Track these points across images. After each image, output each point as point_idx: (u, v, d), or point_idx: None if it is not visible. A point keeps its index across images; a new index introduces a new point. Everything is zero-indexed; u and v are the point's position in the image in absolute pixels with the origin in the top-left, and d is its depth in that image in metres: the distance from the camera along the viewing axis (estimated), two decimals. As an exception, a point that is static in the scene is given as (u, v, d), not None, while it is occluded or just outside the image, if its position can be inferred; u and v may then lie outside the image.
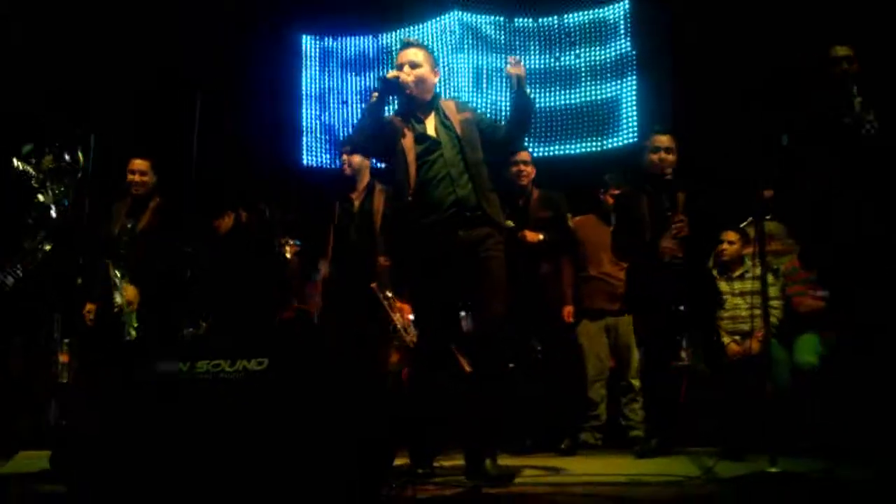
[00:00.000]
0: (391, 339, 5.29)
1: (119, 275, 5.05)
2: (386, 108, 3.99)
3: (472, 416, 3.80)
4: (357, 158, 5.13)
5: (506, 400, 4.17)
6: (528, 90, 3.97)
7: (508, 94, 4.03)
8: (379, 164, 4.90)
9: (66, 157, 5.11)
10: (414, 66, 3.90)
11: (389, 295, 5.08)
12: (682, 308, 4.66)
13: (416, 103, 3.93)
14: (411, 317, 5.18)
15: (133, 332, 5.00)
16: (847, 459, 3.87)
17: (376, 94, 3.88)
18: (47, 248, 5.26)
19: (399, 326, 5.13)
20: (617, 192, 5.60)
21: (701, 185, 4.74)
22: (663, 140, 4.77)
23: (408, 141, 3.86)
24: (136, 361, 2.85)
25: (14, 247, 5.33)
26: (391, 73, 3.91)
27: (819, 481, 3.36)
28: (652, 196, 4.74)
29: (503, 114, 7.53)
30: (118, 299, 5.02)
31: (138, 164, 5.31)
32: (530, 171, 5.40)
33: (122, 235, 5.18)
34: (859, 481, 3.42)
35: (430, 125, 3.92)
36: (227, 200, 5.91)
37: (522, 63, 3.90)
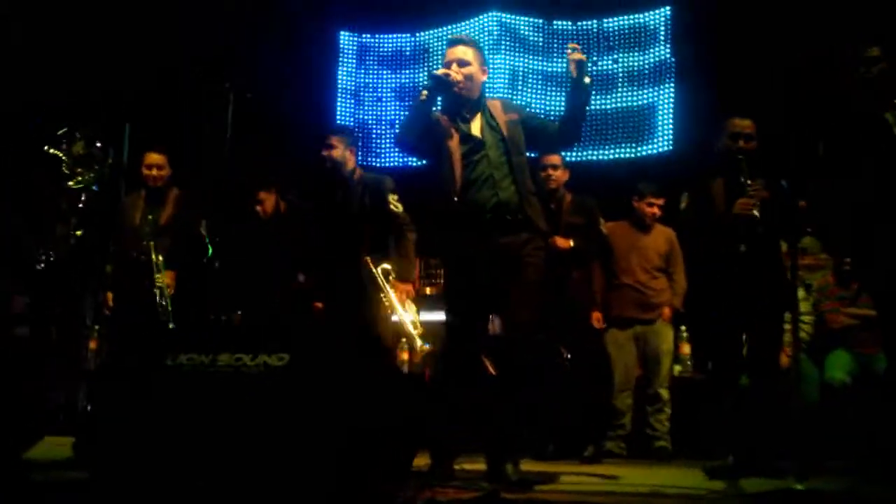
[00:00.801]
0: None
1: (160, 258, 5.16)
2: (433, 107, 3.92)
3: (496, 419, 3.77)
4: (338, 152, 5.05)
5: (530, 405, 4.12)
6: (589, 80, 3.80)
7: (567, 87, 3.91)
8: (420, 162, 4.81)
9: (97, 143, 5.14)
10: (462, 64, 3.84)
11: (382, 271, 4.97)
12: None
13: (463, 102, 3.87)
14: (409, 317, 5.08)
15: (169, 316, 5.09)
16: (875, 479, 3.80)
17: (426, 92, 3.81)
18: (78, 233, 5.31)
19: (395, 307, 5.02)
20: (660, 201, 5.57)
21: (781, 175, 4.29)
22: (745, 125, 4.33)
23: (454, 141, 3.81)
24: (161, 351, 2.85)
25: (46, 232, 5.38)
26: (441, 71, 3.85)
27: (846, 499, 3.30)
28: (726, 178, 4.29)
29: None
30: (160, 281, 5.13)
31: (155, 158, 5.38)
32: (559, 175, 5.32)
33: (145, 227, 5.26)
34: (887, 500, 3.35)
35: (476, 125, 3.87)
36: (262, 187, 5.91)
37: (582, 51, 3.75)
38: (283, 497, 2.55)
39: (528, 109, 4.39)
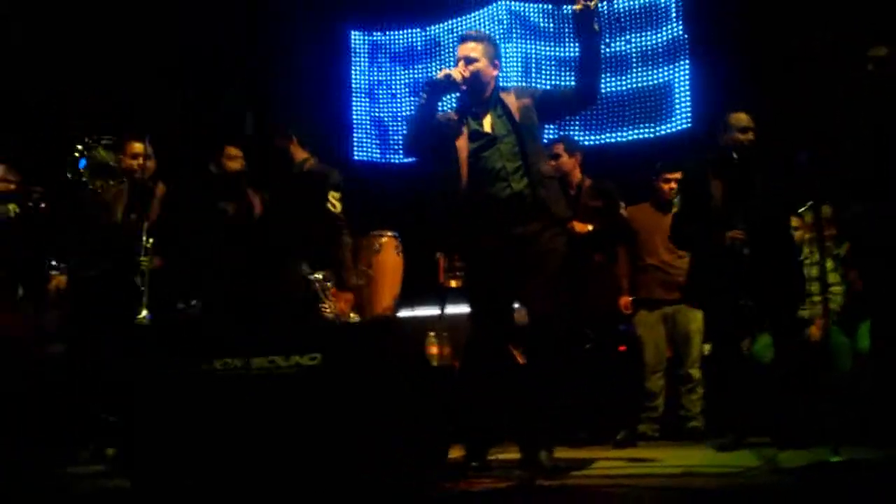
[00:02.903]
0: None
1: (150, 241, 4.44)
2: (439, 104, 3.95)
3: (527, 408, 3.79)
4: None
5: (560, 392, 4.14)
6: (597, 25, 3.80)
7: (575, 37, 3.92)
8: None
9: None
10: (469, 61, 3.86)
11: (319, 277, 4.68)
12: (749, 303, 4.38)
13: (473, 99, 3.89)
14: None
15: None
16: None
17: (425, 96, 3.83)
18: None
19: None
20: (677, 175, 5.53)
21: (780, 165, 4.46)
22: (744, 118, 4.51)
23: (462, 140, 3.84)
24: (196, 356, 2.89)
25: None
26: (441, 73, 3.86)
27: (883, 468, 3.29)
28: (727, 179, 4.43)
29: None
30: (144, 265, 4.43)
31: (137, 147, 4.69)
32: (564, 162, 5.30)
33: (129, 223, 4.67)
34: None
35: (487, 121, 3.88)
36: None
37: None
38: (323, 494, 2.59)
39: (539, 88, 4.31)
